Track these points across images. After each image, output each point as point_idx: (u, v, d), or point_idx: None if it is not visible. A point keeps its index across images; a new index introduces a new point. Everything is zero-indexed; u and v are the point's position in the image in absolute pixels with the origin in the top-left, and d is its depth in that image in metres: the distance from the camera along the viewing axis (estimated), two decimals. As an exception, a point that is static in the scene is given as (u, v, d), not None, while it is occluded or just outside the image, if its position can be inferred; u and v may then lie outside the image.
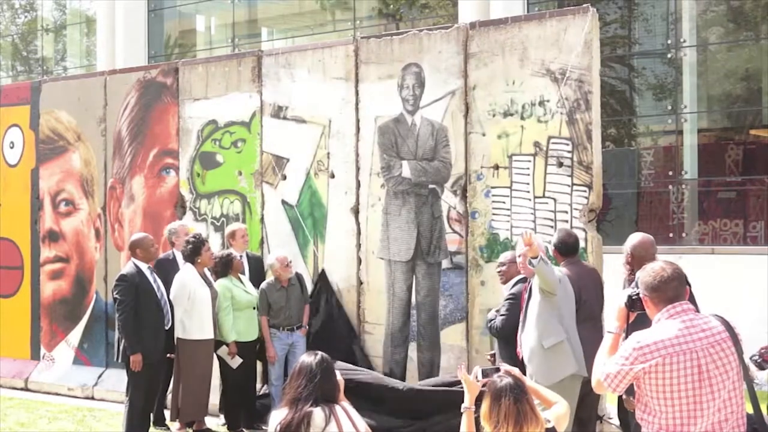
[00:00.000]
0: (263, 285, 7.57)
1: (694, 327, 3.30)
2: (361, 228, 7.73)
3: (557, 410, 3.76)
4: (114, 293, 7.03)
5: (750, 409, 3.47)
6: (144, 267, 7.06)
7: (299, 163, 8.08)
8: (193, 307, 7.08)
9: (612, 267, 6.59)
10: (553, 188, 6.87)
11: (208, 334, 7.22)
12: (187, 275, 7.16)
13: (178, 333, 7.15)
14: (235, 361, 7.33)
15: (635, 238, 5.75)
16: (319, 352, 4.03)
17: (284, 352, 7.55)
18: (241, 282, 7.55)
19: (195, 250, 7.20)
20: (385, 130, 7.61)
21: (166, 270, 7.47)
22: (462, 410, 3.79)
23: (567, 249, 6.03)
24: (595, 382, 3.48)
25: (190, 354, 7.15)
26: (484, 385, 3.67)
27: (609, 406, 6.91)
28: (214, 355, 7.44)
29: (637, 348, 3.29)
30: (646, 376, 3.27)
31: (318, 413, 3.82)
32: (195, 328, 7.12)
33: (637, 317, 3.59)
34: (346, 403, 3.98)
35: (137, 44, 17.90)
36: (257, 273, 7.85)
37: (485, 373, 3.70)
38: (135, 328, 6.88)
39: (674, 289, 3.38)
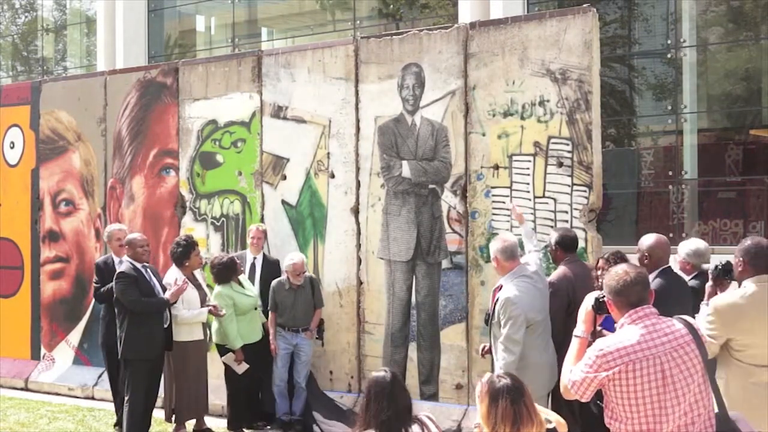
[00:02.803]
0: (274, 283, 7.55)
1: (656, 332, 3.31)
2: (361, 228, 7.73)
3: (557, 410, 3.75)
4: (116, 291, 6.94)
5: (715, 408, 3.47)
6: (139, 265, 7.03)
7: (299, 163, 8.08)
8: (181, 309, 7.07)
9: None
10: (553, 188, 6.87)
11: (198, 335, 7.22)
12: (172, 278, 7.13)
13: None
14: (242, 367, 7.32)
15: (651, 238, 5.46)
16: (387, 369, 3.95)
17: (287, 352, 7.54)
18: (241, 285, 7.52)
19: (185, 253, 7.19)
20: (385, 130, 7.61)
21: (103, 272, 7.54)
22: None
23: (567, 244, 6.02)
24: (563, 389, 3.49)
25: (181, 355, 7.14)
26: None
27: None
28: (216, 359, 7.43)
29: (600, 355, 3.29)
30: (610, 383, 3.28)
31: (414, 427, 3.79)
32: (184, 330, 7.11)
33: None
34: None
35: (137, 44, 17.93)
36: (272, 278, 7.69)
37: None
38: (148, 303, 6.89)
39: (637, 293, 3.38)
